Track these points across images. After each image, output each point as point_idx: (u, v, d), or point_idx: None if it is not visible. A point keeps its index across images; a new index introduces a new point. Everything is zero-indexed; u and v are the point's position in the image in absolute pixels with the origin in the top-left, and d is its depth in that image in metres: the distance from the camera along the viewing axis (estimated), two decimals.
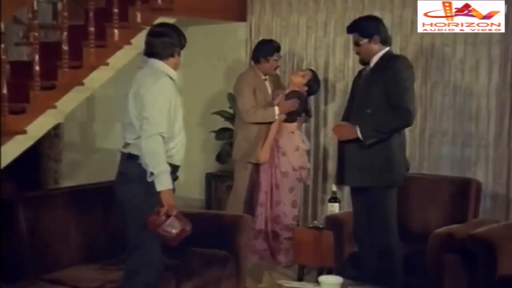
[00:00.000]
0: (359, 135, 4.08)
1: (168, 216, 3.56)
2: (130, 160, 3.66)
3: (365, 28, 4.23)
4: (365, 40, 4.20)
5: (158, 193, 3.53)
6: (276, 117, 5.52)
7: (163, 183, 3.54)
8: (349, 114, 4.29)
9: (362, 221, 4.28)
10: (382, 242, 4.16)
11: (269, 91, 5.76)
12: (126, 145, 3.71)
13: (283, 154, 5.52)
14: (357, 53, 4.32)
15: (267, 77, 5.76)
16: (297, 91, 5.60)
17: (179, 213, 3.62)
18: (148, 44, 3.86)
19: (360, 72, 4.40)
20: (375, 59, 4.20)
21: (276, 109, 5.53)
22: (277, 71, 5.94)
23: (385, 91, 4.06)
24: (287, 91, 5.64)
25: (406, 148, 4.36)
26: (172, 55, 3.79)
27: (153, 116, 3.56)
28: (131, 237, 3.67)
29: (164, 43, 3.78)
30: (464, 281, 4.20)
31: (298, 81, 5.64)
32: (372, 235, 4.19)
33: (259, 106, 5.58)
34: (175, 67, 3.84)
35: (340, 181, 4.39)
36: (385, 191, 4.15)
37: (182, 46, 3.87)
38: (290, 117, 5.56)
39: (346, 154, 4.20)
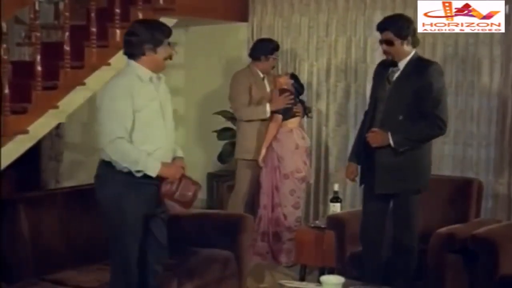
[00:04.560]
0: (391, 143, 4.05)
1: (179, 180, 3.55)
2: (103, 163, 3.59)
3: (402, 28, 4.10)
4: (399, 41, 4.09)
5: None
6: (268, 114, 5.51)
7: (151, 169, 3.47)
8: (374, 117, 4.21)
9: (376, 223, 4.26)
10: (404, 244, 4.18)
11: (268, 89, 5.75)
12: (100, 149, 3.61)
13: (282, 158, 5.52)
14: (387, 52, 4.18)
15: (265, 75, 5.75)
16: (285, 88, 5.60)
17: (185, 175, 3.61)
18: (123, 43, 3.69)
19: (381, 72, 4.29)
20: (404, 61, 4.12)
21: (268, 105, 5.52)
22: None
23: (417, 98, 4.00)
24: (274, 91, 5.65)
25: (431, 153, 4.31)
26: (143, 54, 3.59)
27: (103, 122, 3.47)
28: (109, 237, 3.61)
29: (130, 43, 3.59)
30: (465, 281, 4.20)
31: (284, 81, 5.65)
32: (394, 238, 4.22)
33: (250, 103, 5.58)
34: (156, 66, 3.69)
35: (362, 184, 4.36)
36: (412, 196, 4.16)
37: (157, 41, 3.61)
38: (286, 114, 5.55)
39: (377, 159, 4.14)
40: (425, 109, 4.01)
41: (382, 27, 4.19)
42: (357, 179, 4.49)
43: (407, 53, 4.12)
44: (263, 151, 5.55)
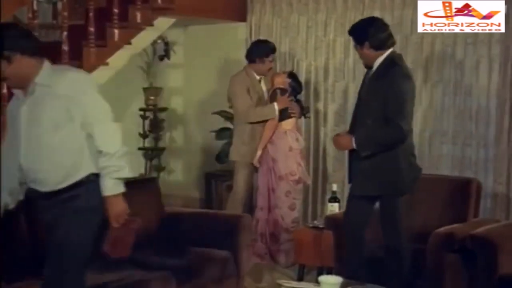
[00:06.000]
0: (354, 146, 4.05)
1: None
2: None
3: (357, 33, 4.14)
4: (359, 46, 4.12)
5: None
6: (277, 113, 5.50)
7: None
8: (356, 121, 4.24)
9: (357, 220, 4.26)
10: (392, 246, 4.18)
11: (265, 90, 5.74)
12: None
13: (275, 161, 5.51)
14: (360, 57, 4.26)
15: (261, 77, 5.74)
16: (283, 88, 5.60)
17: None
18: None
19: (365, 76, 4.31)
20: (376, 64, 4.10)
21: (275, 104, 5.52)
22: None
23: (383, 102, 3.97)
24: (271, 90, 5.64)
25: (415, 156, 4.28)
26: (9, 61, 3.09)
27: None
28: None
29: None
30: (464, 280, 4.20)
31: (281, 80, 5.64)
32: (384, 240, 4.23)
33: (256, 105, 5.58)
34: (17, 73, 3.13)
35: (350, 181, 4.38)
36: (394, 199, 4.15)
37: (23, 48, 3.10)
38: (282, 115, 5.54)
39: (353, 162, 4.17)
40: (387, 114, 3.96)
41: (348, 33, 4.27)
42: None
43: (374, 56, 4.08)
44: (259, 152, 5.55)
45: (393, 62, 4.10)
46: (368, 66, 4.18)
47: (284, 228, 5.51)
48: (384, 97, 3.96)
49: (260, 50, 5.66)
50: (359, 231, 4.28)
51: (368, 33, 4.08)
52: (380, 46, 4.09)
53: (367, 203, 4.24)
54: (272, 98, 5.57)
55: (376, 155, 4.03)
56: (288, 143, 5.53)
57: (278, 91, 5.57)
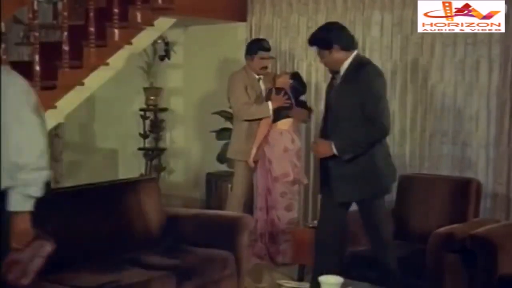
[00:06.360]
0: (335, 152, 4.00)
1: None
2: None
3: (323, 39, 4.09)
4: (327, 51, 4.08)
5: None
6: (271, 112, 5.50)
7: None
8: (326, 126, 4.19)
9: (333, 230, 4.22)
10: (376, 250, 4.16)
11: (263, 89, 5.73)
12: None
13: (270, 162, 5.50)
14: (325, 64, 4.22)
15: (261, 76, 5.73)
16: (280, 87, 5.59)
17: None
18: None
19: (331, 81, 4.27)
20: (344, 67, 4.07)
21: (270, 103, 5.51)
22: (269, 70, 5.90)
23: (359, 102, 3.94)
24: (268, 89, 5.63)
25: (391, 155, 4.26)
26: None
27: None
28: None
29: None
30: (464, 281, 4.20)
31: (283, 81, 5.63)
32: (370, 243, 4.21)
33: (252, 102, 5.58)
34: None
35: (321, 191, 4.32)
36: (374, 201, 4.12)
37: None
38: (278, 114, 5.53)
39: (332, 169, 4.09)
40: (367, 113, 3.94)
41: (310, 43, 4.20)
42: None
43: (343, 59, 4.06)
44: (253, 150, 5.54)
45: (363, 62, 4.11)
46: (335, 71, 4.14)
47: (281, 229, 5.50)
48: (361, 98, 3.93)
49: (250, 48, 5.69)
50: (335, 241, 4.24)
51: (336, 35, 4.08)
52: (349, 46, 4.09)
53: (343, 210, 4.22)
54: (268, 97, 5.57)
55: (355, 158, 3.99)
56: (283, 144, 5.51)
57: (274, 90, 5.56)
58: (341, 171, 4.05)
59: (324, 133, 4.19)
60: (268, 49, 5.70)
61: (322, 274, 3.60)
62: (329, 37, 4.07)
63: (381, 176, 4.10)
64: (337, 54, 4.06)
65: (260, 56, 5.63)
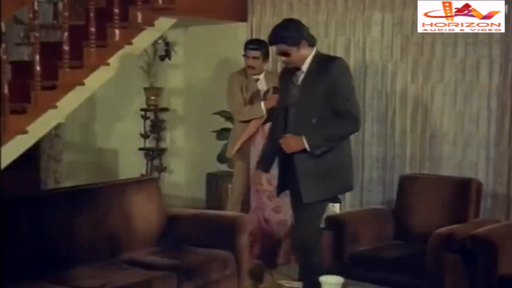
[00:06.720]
0: (307, 146, 3.91)
1: None
2: None
3: (291, 36, 3.99)
4: (295, 48, 3.99)
5: None
6: (264, 112, 5.46)
7: None
8: (287, 125, 4.08)
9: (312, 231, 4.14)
10: (306, 242, 4.10)
11: (261, 89, 5.67)
12: None
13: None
14: (287, 62, 4.08)
15: (259, 76, 5.71)
16: (276, 86, 5.53)
17: None
18: None
19: (285, 78, 4.19)
20: (307, 63, 4.02)
21: (262, 104, 5.49)
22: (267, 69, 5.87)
23: (326, 97, 3.91)
24: (267, 88, 5.58)
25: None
26: None
27: None
28: None
29: None
30: (464, 281, 4.20)
31: None
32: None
33: (246, 103, 5.57)
34: None
35: (281, 191, 4.24)
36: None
37: None
38: (271, 115, 5.49)
39: (297, 167, 3.99)
40: (336, 107, 3.91)
41: (274, 41, 4.09)
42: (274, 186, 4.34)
43: (307, 54, 4.03)
44: (238, 144, 5.52)
45: (327, 57, 4.12)
46: (297, 68, 4.07)
47: (269, 231, 5.46)
48: (330, 92, 3.90)
49: (244, 46, 5.68)
50: (317, 239, 4.18)
51: (303, 31, 4.03)
52: (314, 42, 4.08)
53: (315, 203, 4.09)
54: (264, 97, 5.56)
55: (322, 154, 3.93)
56: None
57: (271, 90, 5.52)
58: (307, 168, 3.96)
59: (286, 131, 4.06)
60: (253, 48, 5.61)
61: (322, 274, 3.60)
62: (298, 33, 4.01)
63: (348, 172, 4.09)
64: (304, 50, 4.01)
65: (248, 54, 5.61)
